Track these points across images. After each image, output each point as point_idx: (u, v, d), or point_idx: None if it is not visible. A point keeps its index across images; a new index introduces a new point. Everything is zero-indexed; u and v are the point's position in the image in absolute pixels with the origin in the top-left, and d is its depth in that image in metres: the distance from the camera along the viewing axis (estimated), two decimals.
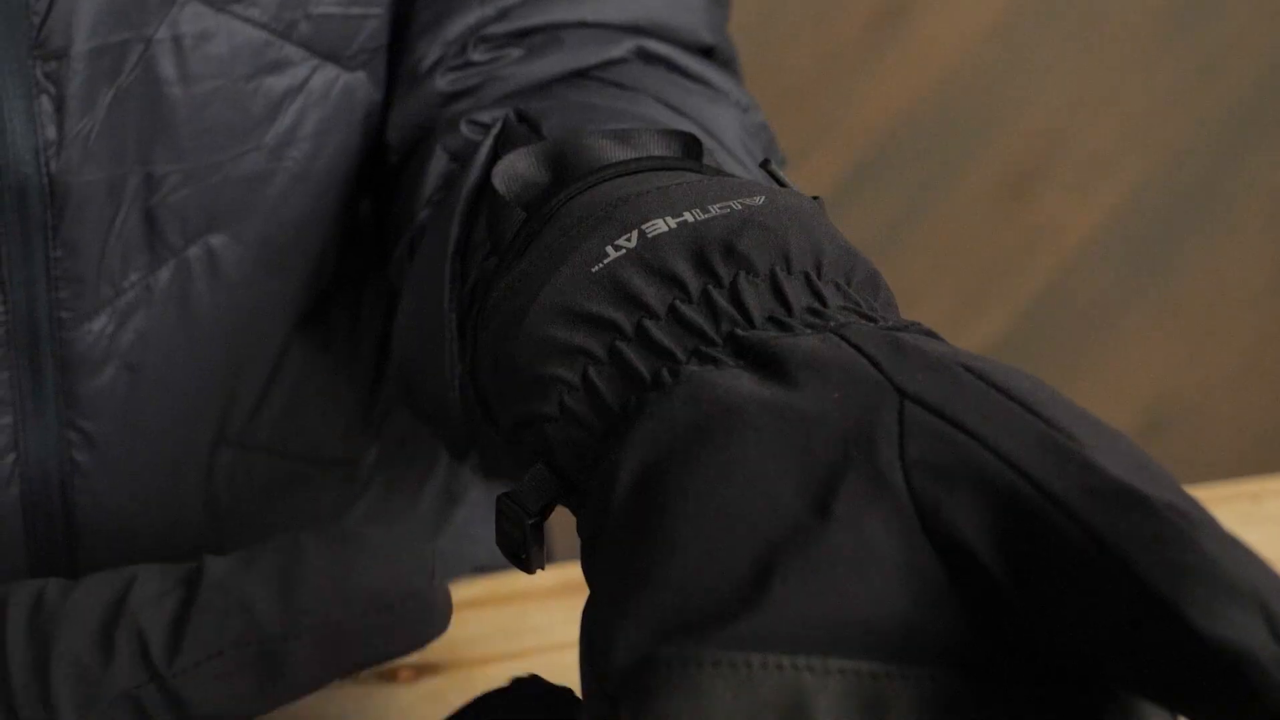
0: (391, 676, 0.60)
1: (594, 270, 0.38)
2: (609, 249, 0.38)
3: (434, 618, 0.38)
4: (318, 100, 0.55)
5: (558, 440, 0.38)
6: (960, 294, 1.68)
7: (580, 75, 0.55)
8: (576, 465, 0.38)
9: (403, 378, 0.52)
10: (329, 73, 0.55)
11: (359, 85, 0.56)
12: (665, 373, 0.36)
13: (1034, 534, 0.30)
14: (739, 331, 0.36)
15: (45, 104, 0.51)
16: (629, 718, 0.29)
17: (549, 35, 0.56)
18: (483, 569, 0.67)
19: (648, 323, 0.37)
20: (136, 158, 0.53)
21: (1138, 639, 0.28)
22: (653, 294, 0.37)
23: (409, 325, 0.51)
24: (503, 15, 0.56)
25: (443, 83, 0.55)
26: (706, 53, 0.57)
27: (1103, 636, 0.29)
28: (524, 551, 0.39)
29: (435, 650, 0.61)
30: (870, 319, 0.37)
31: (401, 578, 0.38)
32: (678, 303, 0.37)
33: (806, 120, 1.75)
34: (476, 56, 0.55)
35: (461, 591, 0.65)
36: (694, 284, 0.37)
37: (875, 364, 0.34)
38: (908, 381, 0.33)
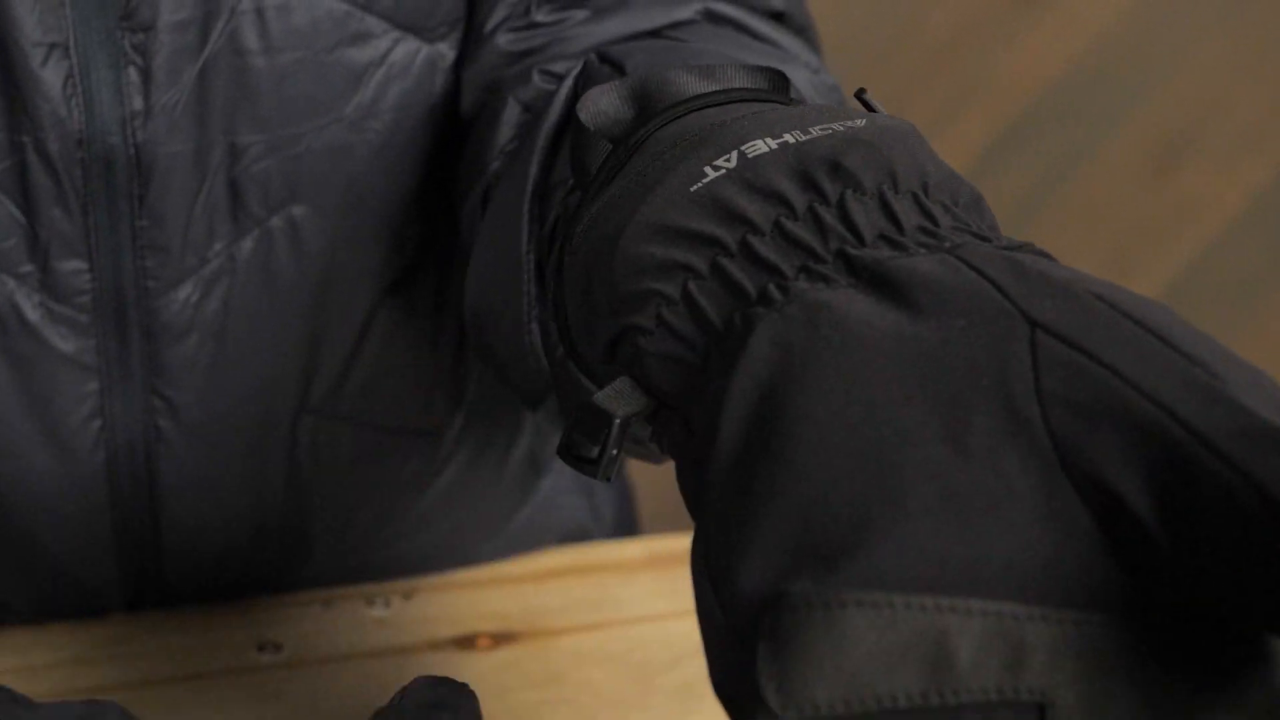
0: (469, 644, 0.61)
1: (693, 190, 0.37)
2: (707, 169, 0.37)
3: None
4: (399, 73, 0.56)
5: (651, 353, 0.37)
6: (1102, 268, 1.64)
7: (648, 37, 0.54)
8: (671, 380, 0.37)
9: (476, 324, 0.52)
10: (411, 45, 0.55)
11: (440, 57, 0.56)
12: (773, 288, 0.35)
13: (1185, 477, 0.29)
14: (849, 249, 0.35)
15: (132, 75, 0.52)
16: (767, 657, 0.29)
17: None
18: (566, 542, 0.67)
19: (752, 239, 0.36)
20: (221, 128, 0.53)
21: None
22: (756, 211, 0.36)
23: (484, 270, 0.51)
24: None
25: (504, 40, 0.55)
26: (777, 18, 0.56)
27: (1257, 583, 0.28)
28: (599, 456, 0.37)
29: (514, 619, 0.62)
30: (984, 239, 0.35)
31: None
32: (783, 219, 0.36)
33: (950, 84, 1.73)
34: (541, 17, 0.55)
35: (544, 561, 0.65)
36: (799, 201, 0.36)
37: (1000, 289, 0.33)
38: (1037, 309, 0.32)
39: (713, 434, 0.34)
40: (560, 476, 0.70)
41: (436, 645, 0.60)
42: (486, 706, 0.59)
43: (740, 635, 0.30)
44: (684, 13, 0.54)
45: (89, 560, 0.60)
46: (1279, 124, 1.69)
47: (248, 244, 0.56)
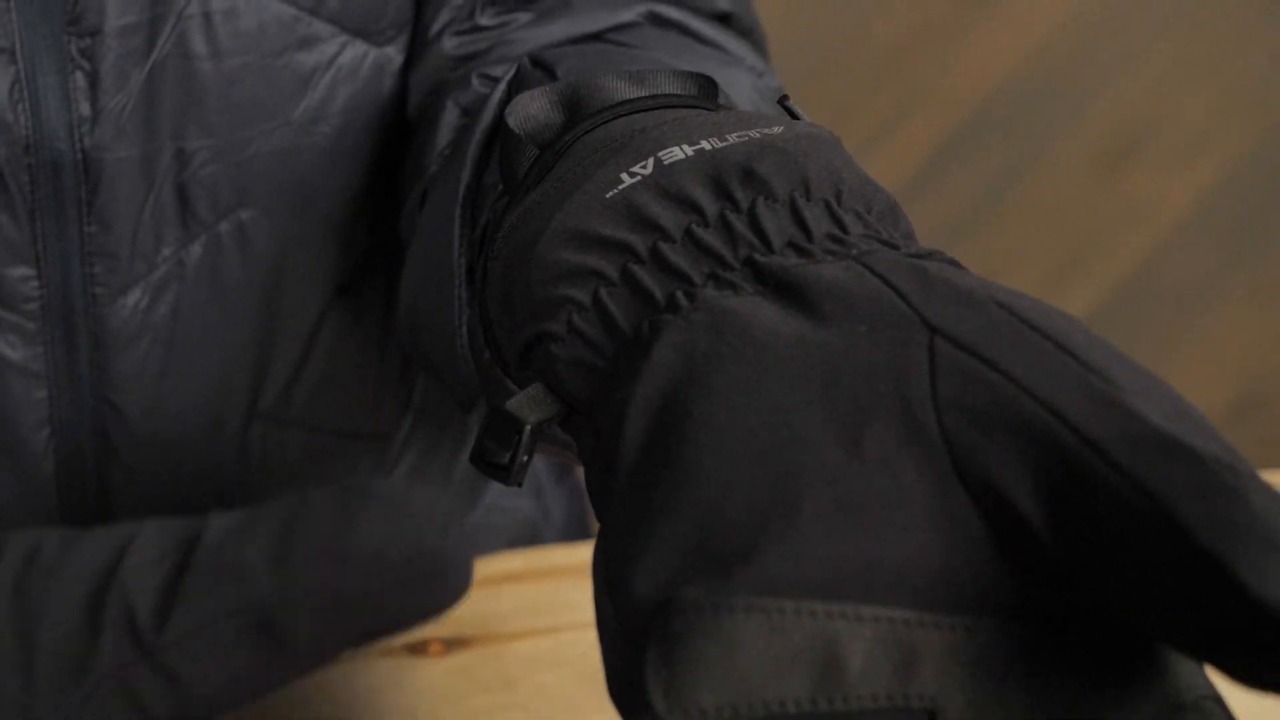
0: (421, 650, 0.61)
1: (608, 196, 0.37)
2: (623, 175, 0.38)
3: (451, 578, 0.35)
4: (347, 76, 0.55)
5: (563, 360, 0.37)
6: (1050, 270, 1.65)
7: (591, 40, 0.54)
8: (581, 386, 0.37)
9: (411, 326, 0.52)
10: (358, 49, 0.55)
11: (388, 61, 0.56)
12: (680, 295, 0.35)
13: (1075, 482, 0.29)
14: (757, 257, 0.35)
15: (80, 80, 0.51)
16: (655, 661, 0.29)
17: None
18: (517, 543, 0.67)
19: (663, 245, 0.36)
20: (169, 133, 0.53)
21: (1182, 593, 0.27)
22: (668, 218, 0.37)
23: (418, 271, 0.51)
24: None
25: (450, 45, 0.55)
26: (723, 19, 0.57)
27: (1144, 589, 0.28)
28: (509, 462, 0.38)
29: (466, 624, 0.62)
30: (893, 247, 0.36)
31: (409, 534, 0.35)
32: (694, 226, 0.36)
33: (898, 90, 1.73)
34: (485, 20, 0.55)
35: (495, 565, 0.65)
36: (711, 208, 0.37)
37: (902, 296, 0.33)
38: (937, 316, 0.32)
39: (617, 440, 0.34)
40: None
41: (388, 651, 0.60)
42: (439, 713, 0.59)
43: (632, 641, 0.30)
44: (627, 15, 0.54)
45: None
46: (1226, 126, 1.71)
47: (196, 249, 0.56)
